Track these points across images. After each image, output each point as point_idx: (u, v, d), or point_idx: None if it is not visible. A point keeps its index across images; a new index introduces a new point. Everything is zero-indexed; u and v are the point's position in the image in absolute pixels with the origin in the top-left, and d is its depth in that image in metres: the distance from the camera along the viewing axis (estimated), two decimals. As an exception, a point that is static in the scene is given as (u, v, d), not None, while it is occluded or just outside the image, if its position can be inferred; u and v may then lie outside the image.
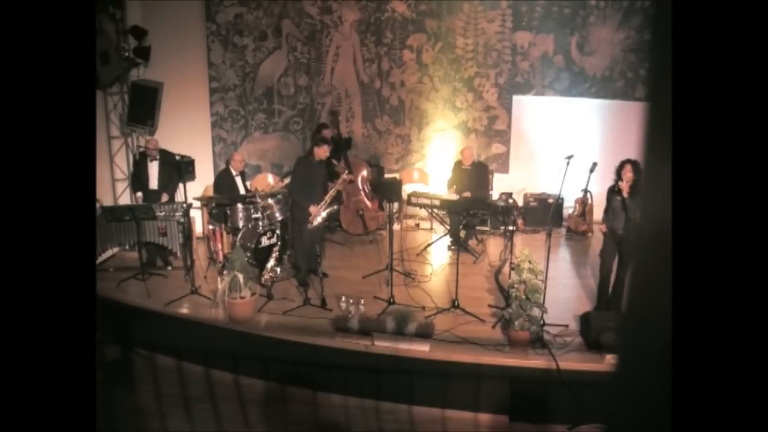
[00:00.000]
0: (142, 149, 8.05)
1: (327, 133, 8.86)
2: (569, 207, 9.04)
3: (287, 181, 7.75)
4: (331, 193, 6.97)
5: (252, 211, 7.29)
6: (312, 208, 6.78)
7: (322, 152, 6.85)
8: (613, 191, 5.92)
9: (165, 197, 7.64)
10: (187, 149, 7.72)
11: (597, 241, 6.39)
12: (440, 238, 8.66)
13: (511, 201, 8.45)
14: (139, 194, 7.72)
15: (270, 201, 7.37)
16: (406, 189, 8.52)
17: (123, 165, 9.21)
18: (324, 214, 6.93)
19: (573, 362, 5.40)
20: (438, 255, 8.33)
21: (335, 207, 7.46)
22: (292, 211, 7.16)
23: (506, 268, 7.04)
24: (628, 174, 5.79)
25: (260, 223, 7.24)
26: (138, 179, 7.83)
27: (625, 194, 5.83)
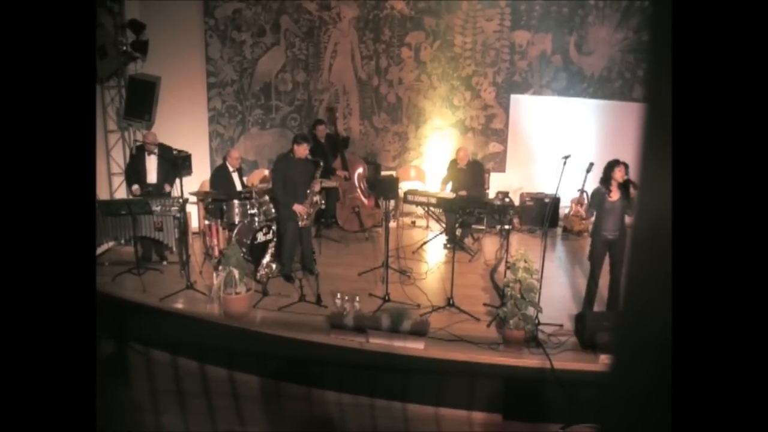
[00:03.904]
0: (138, 143, 8.02)
1: (322, 129, 8.86)
2: (565, 207, 9.05)
3: None
4: (315, 189, 6.94)
5: (248, 207, 7.29)
6: (296, 207, 6.78)
7: (302, 150, 6.80)
8: (605, 193, 5.90)
9: (168, 188, 7.64)
10: (184, 144, 7.73)
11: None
12: (436, 236, 8.67)
13: (507, 200, 8.46)
14: (135, 187, 7.68)
15: (266, 197, 7.37)
16: (403, 187, 8.53)
17: (120, 159, 9.19)
18: (311, 211, 6.94)
19: (567, 362, 5.41)
20: (434, 253, 8.34)
21: (322, 205, 7.46)
22: (277, 209, 7.17)
23: (502, 267, 7.06)
24: (622, 175, 5.79)
25: (256, 219, 7.24)
26: (134, 173, 7.81)
27: (616, 197, 5.84)
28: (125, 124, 9.08)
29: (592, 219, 6.27)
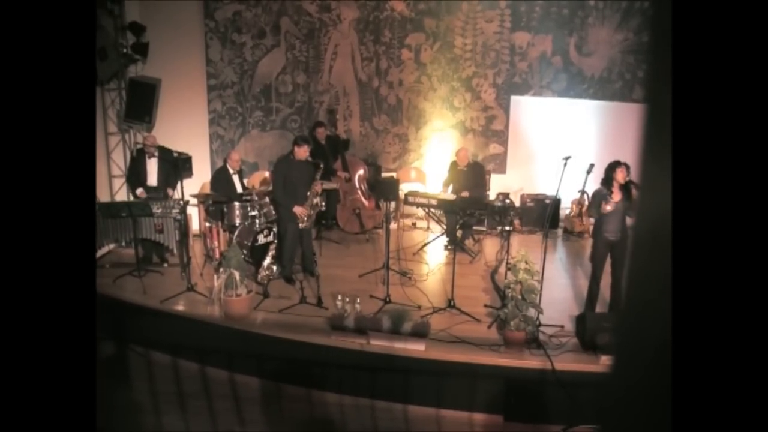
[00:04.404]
0: (139, 146, 8.03)
1: (322, 131, 8.86)
2: (566, 208, 9.06)
3: None
4: (316, 190, 6.94)
5: (249, 208, 7.29)
6: (297, 209, 6.78)
7: (303, 152, 6.79)
8: (606, 194, 5.88)
9: (170, 191, 7.66)
10: (185, 146, 7.72)
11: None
12: (437, 237, 8.67)
13: (508, 201, 8.46)
14: (140, 190, 7.68)
15: (267, 199, 7.38)
16: (403, 188, 8.53)
17: (120, 161, 9.20)
18: (312, 212, 6.94)
19: (568, 363, 5.41)
20: (434, 254, 8.34)
21: (323, 206, 7.46)
22: (277, 211, 7.17)
23: (502, 268, 7.05)
24: (623, 176, 5.79)
25: (257, 221, 7.24)
26: (135, 176, 7.82)
27: (617, 198, 5.83)
28: (126, 126, 9.08)
29: (593, 220, 6.27)
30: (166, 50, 8.95)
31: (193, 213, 8.41)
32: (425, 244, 8.54)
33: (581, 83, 9.22)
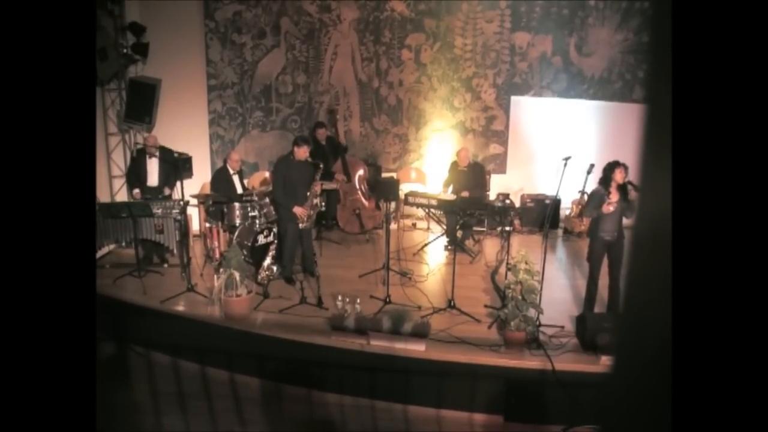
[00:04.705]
0: (139, 146, 8.03)
1: (323, 132, 8.86)
2: (566, 208, 9.06)
3: None
4: (315, 190, 6.94)
5: (249, 209, 7.29)
6: (296, 209, 6.78)
7: (302, 152, 6.80)
8: (604, 194, 5.87)
9: (168, 191, 7.65)
10: (185, 146, 7.72)
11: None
12: (437, 237, 8.67)
13: (508, 201, 8.45)
14: (137, 191, 7.68)
15: (267, 199, 7.38)
16: (404, 188, 8.53)
17: (120, 162, 9.19)
18: (312, 213, 6.94)
19: (568, 363, 5.41)
20: (434, 255, 8.34)
21: (323, 207, 7.46)
22: (277, 211, 7.17)
23: (502, 269, 7.05)
24: (622, 176, 5.77)
25: (257, 222, 7.24)
26: (135, 176, 7.82)
27: (615, 198, 5.81)
28: (126, 127, 9.08)
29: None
30: (166, 50, 8.94)
31: (193, 213, 8.41)
32: (425, 245, 8.54)
33: (581, 83, 9.22)
